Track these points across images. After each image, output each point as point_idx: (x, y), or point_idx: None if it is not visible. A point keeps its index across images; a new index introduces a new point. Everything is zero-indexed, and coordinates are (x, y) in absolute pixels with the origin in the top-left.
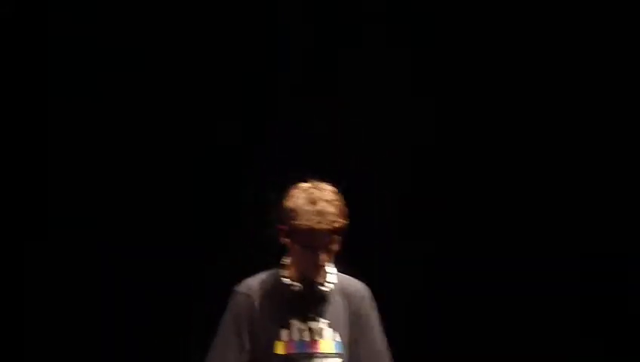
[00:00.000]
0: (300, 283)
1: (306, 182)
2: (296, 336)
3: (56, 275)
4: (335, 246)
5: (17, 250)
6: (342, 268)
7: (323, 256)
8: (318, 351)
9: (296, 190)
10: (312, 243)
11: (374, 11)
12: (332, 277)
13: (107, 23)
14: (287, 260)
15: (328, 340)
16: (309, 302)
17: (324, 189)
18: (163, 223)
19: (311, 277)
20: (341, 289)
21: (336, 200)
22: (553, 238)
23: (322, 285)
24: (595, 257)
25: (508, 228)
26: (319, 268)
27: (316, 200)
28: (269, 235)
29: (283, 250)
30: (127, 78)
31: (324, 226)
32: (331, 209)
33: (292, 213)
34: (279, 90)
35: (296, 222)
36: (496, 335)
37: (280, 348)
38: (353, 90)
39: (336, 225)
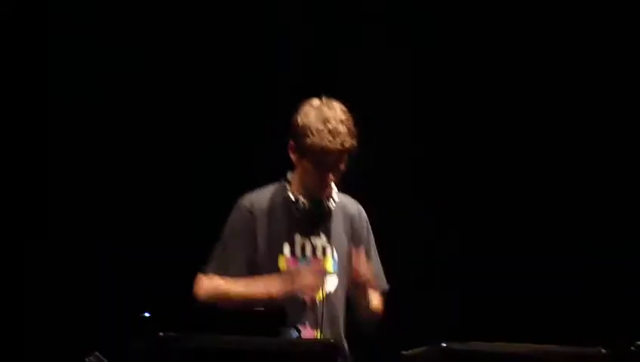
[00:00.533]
0: (306, 199)
1: (317, 98)
2: (299, 252)
3: (56, 275)
4: (343, 166)
5: (17, 250)
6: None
7: (332, 175)
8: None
9: (308, 107)
10: (323, 162)
11: (374, 11)
12: (335, 195)
13: (107, 23)
14: (292, 176)
15: (329, 258)
16: (313, 219)
17: (336, 108)
18: (162, 223)
19: (318, 194)
20: (342, 208)
21: (348, 119)
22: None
23: (327, 202)
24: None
25: (508, 227)
26: (327, 187)
27: (329, 118)
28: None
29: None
30: (127, 78)
31: (336, 146)
32: (343, 128)
33: (304, 130)
34: (279, 90)
35: (309, 141)
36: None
37: (282, 263)
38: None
39: (347, 145)
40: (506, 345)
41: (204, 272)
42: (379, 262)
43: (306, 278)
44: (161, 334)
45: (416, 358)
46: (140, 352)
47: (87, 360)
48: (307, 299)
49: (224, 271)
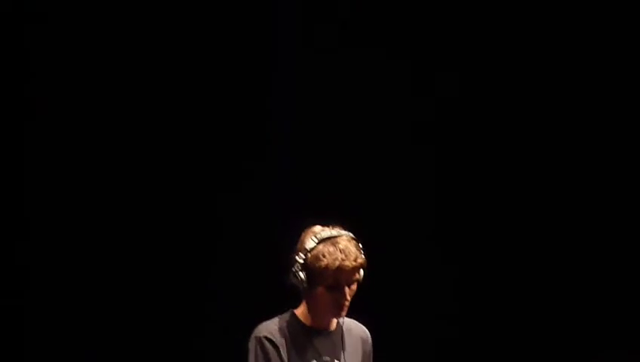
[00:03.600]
0: (317, 325)
1: (316, 224)
2: None
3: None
4: (355, 285)
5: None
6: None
7: (348, 294)
8: None
9: (312, 234)
10: (338, 282)
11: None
12: (343, 319)
13: (108, 23)
14: (299, 309)
15: None
16: (326, 344)
17: (339, 231)
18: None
19: (336, 316)
20: (351, 331)
21: (353, 238)
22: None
23: (337, 328)
24: None
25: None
26: (345, 307)
27: (337, 240)
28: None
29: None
30: (129, 80)
31: (351, 263)
32: (352, 247)
33: (316, 256)
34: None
35: (323, 263)
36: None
37: None
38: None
39: (360, 260)
40: None
41: None
42: None
43: None
44: None
45: None
46: None
47: None
48: None
49: None
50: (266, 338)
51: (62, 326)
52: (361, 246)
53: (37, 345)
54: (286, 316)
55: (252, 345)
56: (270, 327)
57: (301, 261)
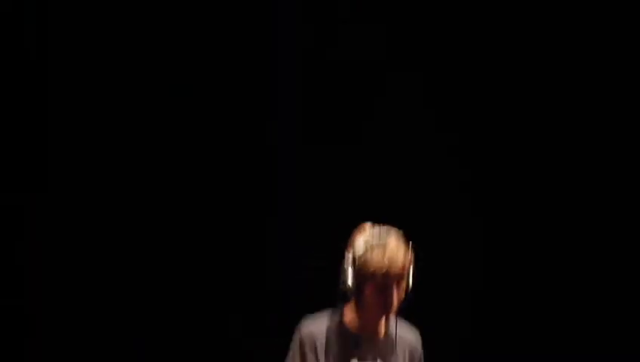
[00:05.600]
0: (362, 327)
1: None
2: None
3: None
4: (404, 287)
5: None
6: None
7: (395, 297)
8: None
9: (362, 234)
10: (384, 285)
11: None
12: (391, 322)
13: (108, 25)
14: (347, 305)
15: None
16: (370, 346)
17: (388, 230)
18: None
19: (383, 318)
20: (399, 336)
21: (402, 239)
22: None
23: (385, 331)
24: None
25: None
26: (391, 310)
27: (384, 242)
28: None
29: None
30: (129, 81)
31: (395, 270)
32: (400, 251)
33: (362, 257)
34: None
35: (369, 267)
36: None
37: None
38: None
39: (406, 264)
40: None
41: None
42: None
43: None
44: None
45: None
46: None
47: None
48: None
49: None
50: (306, 332)
51: (62, 325)
52: (411, 244)
53: (37, 345)
54: (334, 314)
55: (295, 336)
56: (313, 322)
57: (350, 262)
